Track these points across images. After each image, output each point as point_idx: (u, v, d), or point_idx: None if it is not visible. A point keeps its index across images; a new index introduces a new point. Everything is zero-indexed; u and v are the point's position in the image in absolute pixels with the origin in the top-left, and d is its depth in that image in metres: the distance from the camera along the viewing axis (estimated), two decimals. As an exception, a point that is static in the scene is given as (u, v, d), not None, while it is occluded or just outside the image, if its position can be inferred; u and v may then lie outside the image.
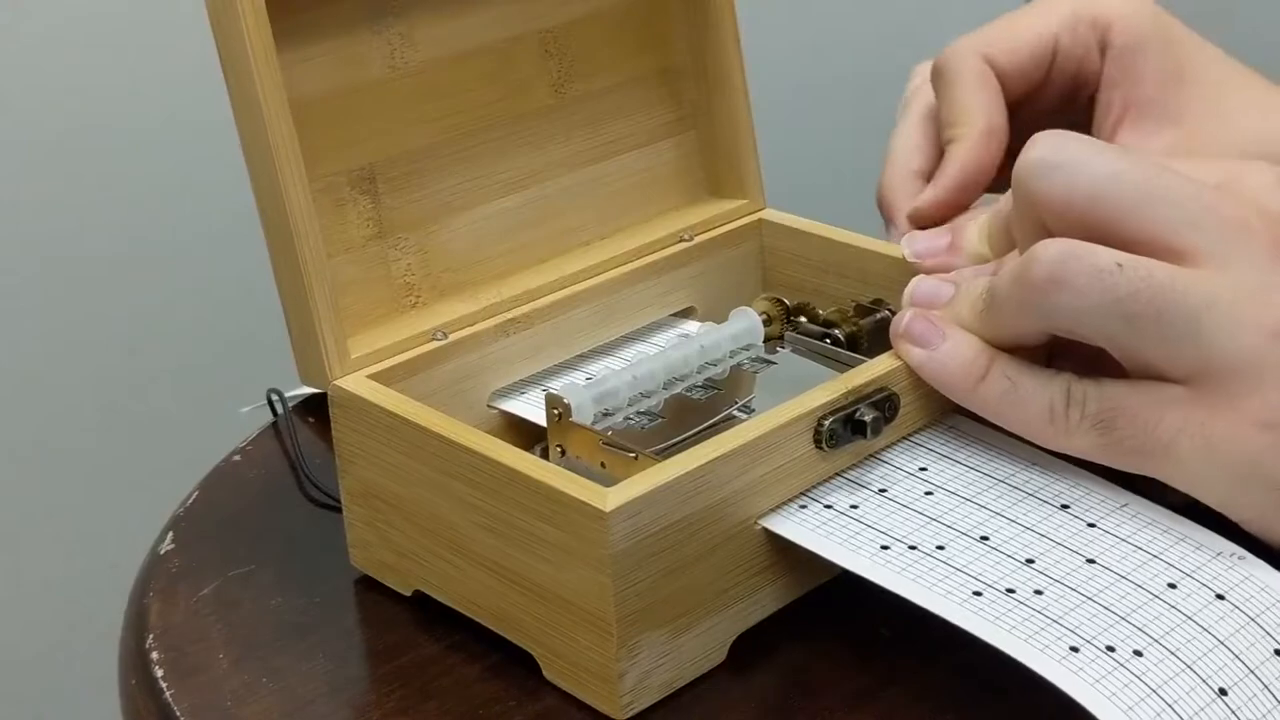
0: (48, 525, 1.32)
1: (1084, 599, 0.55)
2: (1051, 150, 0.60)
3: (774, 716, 0.58)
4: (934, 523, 0.59)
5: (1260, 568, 0.57)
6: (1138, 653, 0.53)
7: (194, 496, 0.74)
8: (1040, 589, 0.55)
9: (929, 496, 0.61)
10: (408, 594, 0.65)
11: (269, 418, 0.80)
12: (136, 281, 1.31)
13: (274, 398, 0.79)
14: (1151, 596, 0.56)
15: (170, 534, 0.71)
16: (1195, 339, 0.57)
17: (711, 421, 0.67)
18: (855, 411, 0.61)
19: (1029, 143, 0.61)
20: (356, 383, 0.64)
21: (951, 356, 0.62)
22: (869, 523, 0.59)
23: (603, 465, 0.62)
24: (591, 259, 0.74)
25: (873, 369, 0.63)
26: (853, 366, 0.64)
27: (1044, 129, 0.61)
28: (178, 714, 0.61)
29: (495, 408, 0.70)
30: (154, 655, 0.64)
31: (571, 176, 0.75)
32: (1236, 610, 0.56)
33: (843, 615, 0.62)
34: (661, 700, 0.59)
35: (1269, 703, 0.53)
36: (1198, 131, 0.73)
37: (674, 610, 0.58)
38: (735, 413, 0.67)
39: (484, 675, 0.61)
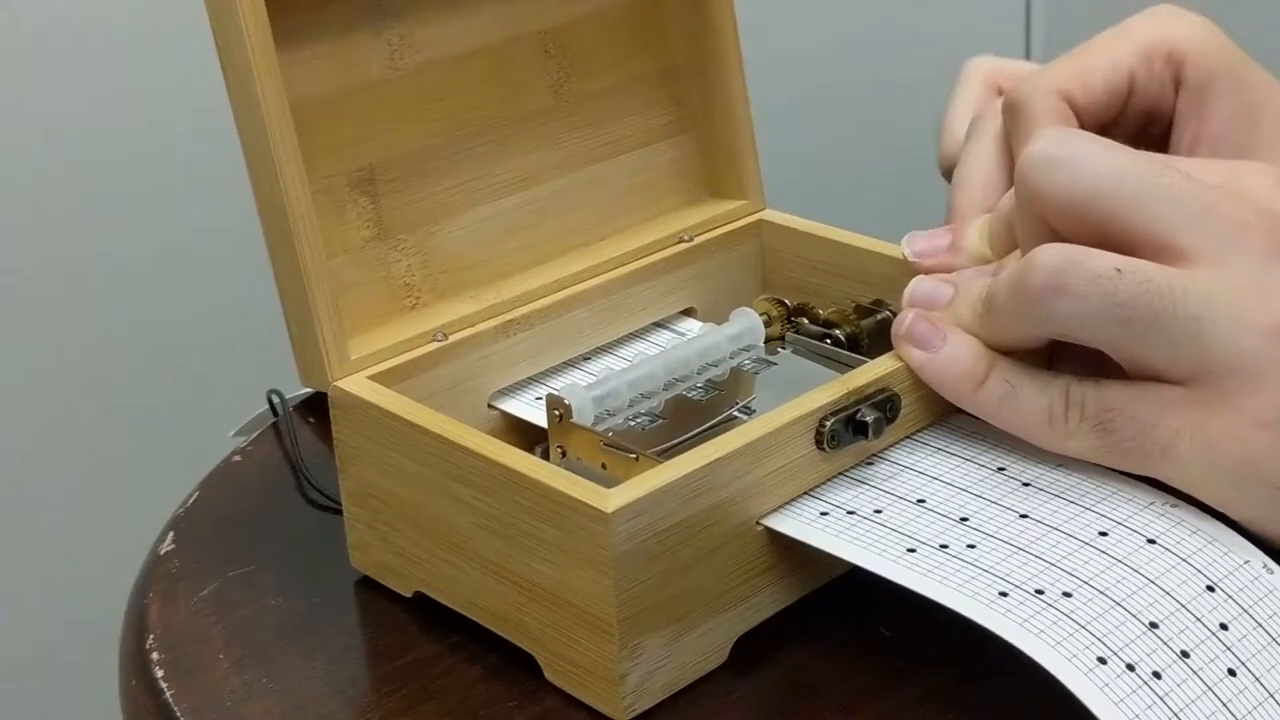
0: (48, 525, 1.32)
1: (1016, 549, 0.56)
2: (1055, 145, 0.60)
3: (775, 717, 0.58)
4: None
5: (1193, 513, 0.58)
6: (1067, 594, 0.54)
7: (194, 496, 0.74)
8: (974, 544, 0.56)
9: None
10: (408, 595, 0.65)
11: (267, 421, 0.80)
12: (136, 282, 1.31)
13: (274, 399, 0.79)
14: (1081, 544, 0.56)
15: (170, 534, 0.71)
16: (1194, 341, 0.57)
17: (712, 422, 0.67)
18: (856, 412, 0.61)
19: (1033, 137, 0.60)
20: (357, 384, 0.64)
21: (951, 360, 0.62)
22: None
23: (604, 466, 0.62)
24: (591, 260, 0.73)
25: (874, 369, 0.63)
26: (853, 367, 0.64)
27: None
28: (178, 714, 0.61)
29: (496, 409, 0.70)
30: (154, 655, 0.64)
31: (571, 177, 0.75)
32: (1167, 552, 0.56)
33: (844, 616, 0.62)
34: (663, 701, 0.59)
35: (1201, 633, 0.54)
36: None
37: (676, 611, 0.58)
38: (736, 413, 0.67)
39: (484, 676, 0.61)
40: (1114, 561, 0.56)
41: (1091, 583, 0.55)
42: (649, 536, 0.56)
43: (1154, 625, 0.54)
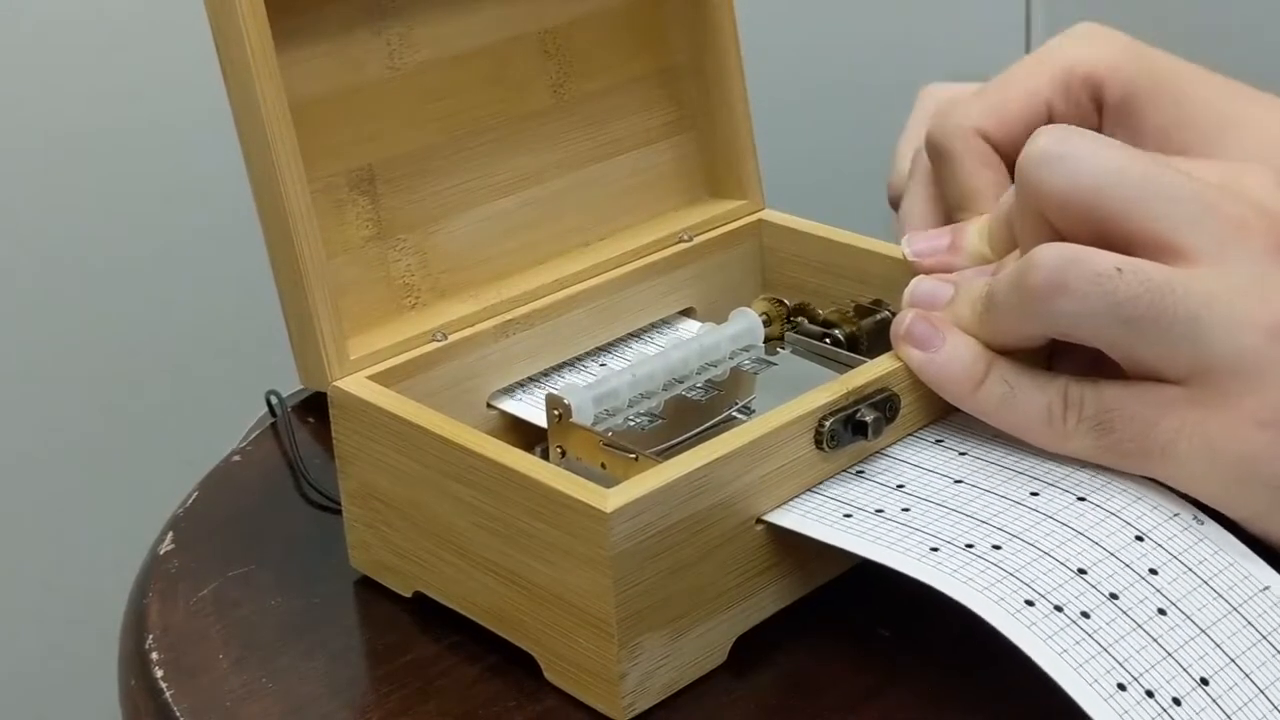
0: (48, 525, 1.32)
1: (948, 510, 0.58)
2: (1056, 142, 0.60)
3: (775, 717, 0.58)
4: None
5: (1120, 476, 0.59)
6: (996, 546, 0.56)
7: (194, 496, 0.74)
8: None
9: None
10: (408, 595, 0.65)
11: (265, 415, 0.80)
12: (136, 281, 1.31)
13: (272, 399, 0.79)
14: (1013, 503, 0.58)
15: (170, 534, 0.71)
16: (1194, 340, 0.57)
17: (712, 422, 0.67)
18: (856, 412, 0.61)
19: (1034, 134, 0.61)
20: (356, 384, 0.64)
21: (950, 360, 0.62)
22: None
23: (603, 466, 0.62)
24: (591, 259, 0.73)
25: (873, 369, 0.63)
26: (853, 367, 0.64)
27: None
28: (177, 714, 0.61)
29: (495, 408, 0.70)
30: (154, 655, 0.64)
31: (571, 177, 0.75)
32: (1097, 508, 0.58)
33: (843, 616, 0.62)
34: (662, 701, 0.59)
35: (1130, 577, 0.55)
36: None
37: (675, 611, 0.58)
38: (735, 413, 0.67)
39: (484, 676, 0.61)
40: (1044, 518, 0.58)
41: (1021, 536, 0.57)
42: (648, 536, 0.56)
43: (1082, 571, 0.56)
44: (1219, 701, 0.53)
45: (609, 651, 0.57)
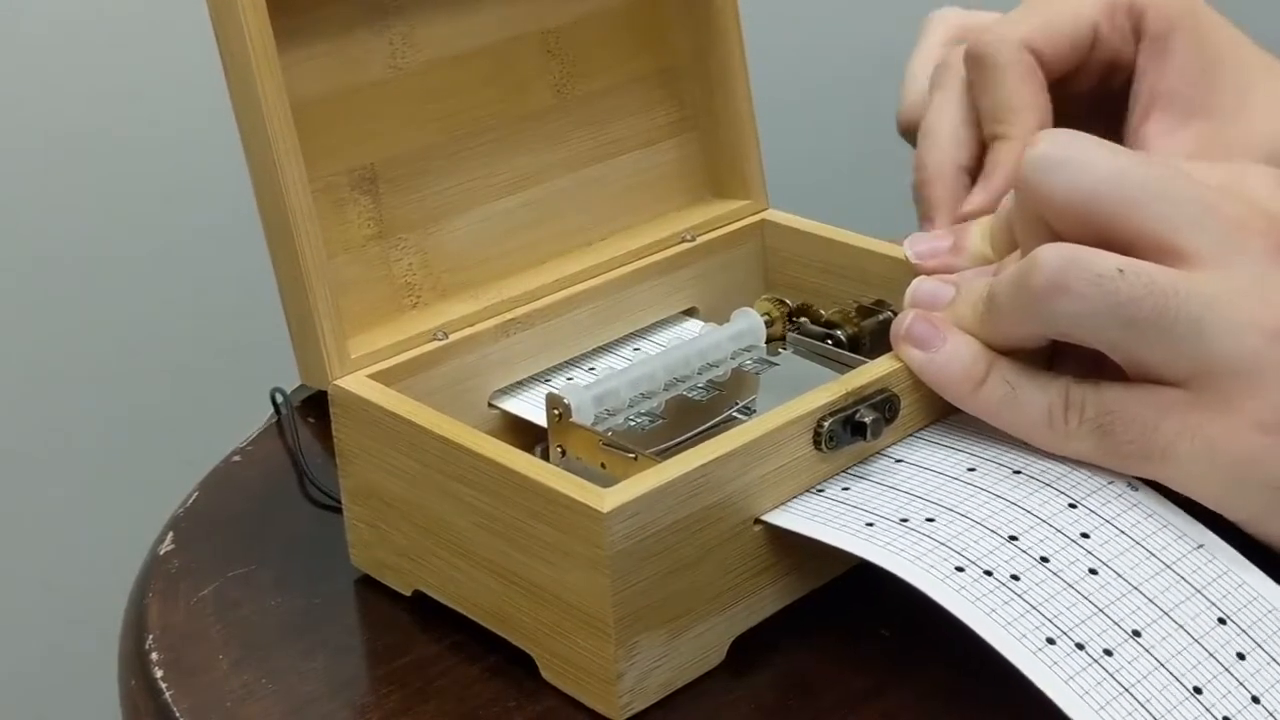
0: (48, 525, 1.32)
1: (886, 488, 0.59)
2: (1056, 146, 0.60)
3: (773, 717, 0.58)
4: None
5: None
6: (930, 519, 0.58)
7: (194, 496, 0.74)
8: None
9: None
10: (407, 594, 0.65)
11: (269, 417, 0.80)
12: (137, 281, 1.31)
13: (277, 396, 0.79)
14: (949, 479, 0.59)
15: (170, 534, 0.71)
16: (1196, 342, 0.57)
17: (712, 422, 0.67)
18: (855, 413, 0.61)
19: (1034, 138, 0.60)
20: (357, 382, 0.64)
21: (951, 360, 0.62)
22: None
23: (603, 466, 0.62)
24: (593, 259, 0.73)
25: (873, 370, 0.62)
26: (854, 368, 0.64)
27: (1079, 115, 0.60)
28: (177, 714, 0.61)
29: (496, 408, 0.70)
30: (154, 655, 0.64)
31: (573, 176, 0.75)
32: (1031, 480, 0.60)
33: (842, 616, 0.62)
34: (660, 701, 0.58)
35: (1061, 541, 0.57)
36: (1221, 128, 0.71)
37: (672, 611, 0.58)
38: (736, 414, 0.67)
39: (483, 676, 0.61)
40: (977, 490, 0.59)
41: (955, 509, 0.58)
42: (646, 536, 0.56)
43: (1013, 538, 0.57)
44: (1152, 651, 0.54)
45: (606, 651, 0.57)
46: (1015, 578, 0.56)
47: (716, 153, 0.79)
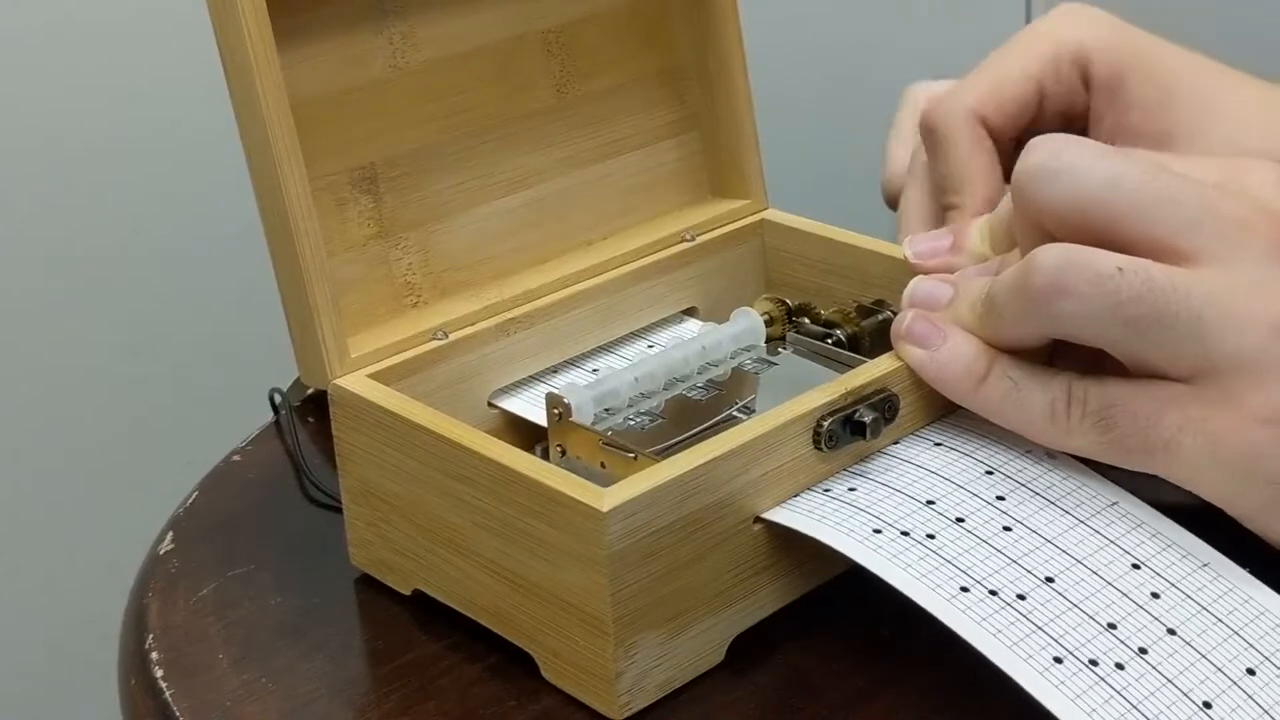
0: (48, 525, 1.32)
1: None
2: (1051, 155, 0.59)
3: (772, 717, 0.58)
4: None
5: (981, 420, 0.62)
6: (851, 489, 0.60)
7: (194, 496, 0.74)
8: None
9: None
10: (407, 593, 0.65)
11: (269, 417, 0.80)
12: (136, 281, 1.31)
13: (275, 396, 0.79)
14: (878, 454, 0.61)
15: (170, 534, 0.71)
16: (1197, 339, 0.57)
17: (712, 422, 0.67)
18: (854, 412, 0.61)
19: (1027, 147, 0.60)
20: (357, 382, 0.64)
21: (952, 358, 0.62)
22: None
23: (603, 465, 0.62)
24: (593, 259, 0.73)
25: (872, 370, 0.62)
26: (854, 367, 0.64)
27: None
28: (177, 714, 0.61)
29: (496, 407, 0.70)
30: (154, 655, 0.64)
31: (573, 176, 0.75)
32: (951, 450, 0.62)
33: (842, 615, 0.62)
34: (659, 700, 0.58)
35: (977, 504, 0.60)
36: (1189, 147, 0.72)
37: (672, 610, 0.58)
38: (736, 413, 0.67)
39: (483, 675, 0.61)
40: (900, 462, 0.62)
41: (875, 478, 0.61)
42: (645, 535, 0.56)
43: (930, 502, 0.60)
44: (1065, 594, 0.56)
45: (605, 650, 0.57)
46: (931, 536, 0.58)
47: (716, 152, 0.79)
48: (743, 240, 0.77)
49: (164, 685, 0.62)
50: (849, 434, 0.61)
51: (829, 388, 0.61)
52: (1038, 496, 0.61)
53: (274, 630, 0.65)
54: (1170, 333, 0.57)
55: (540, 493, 0.57)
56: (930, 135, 0.73)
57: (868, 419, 0.61)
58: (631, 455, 0.61)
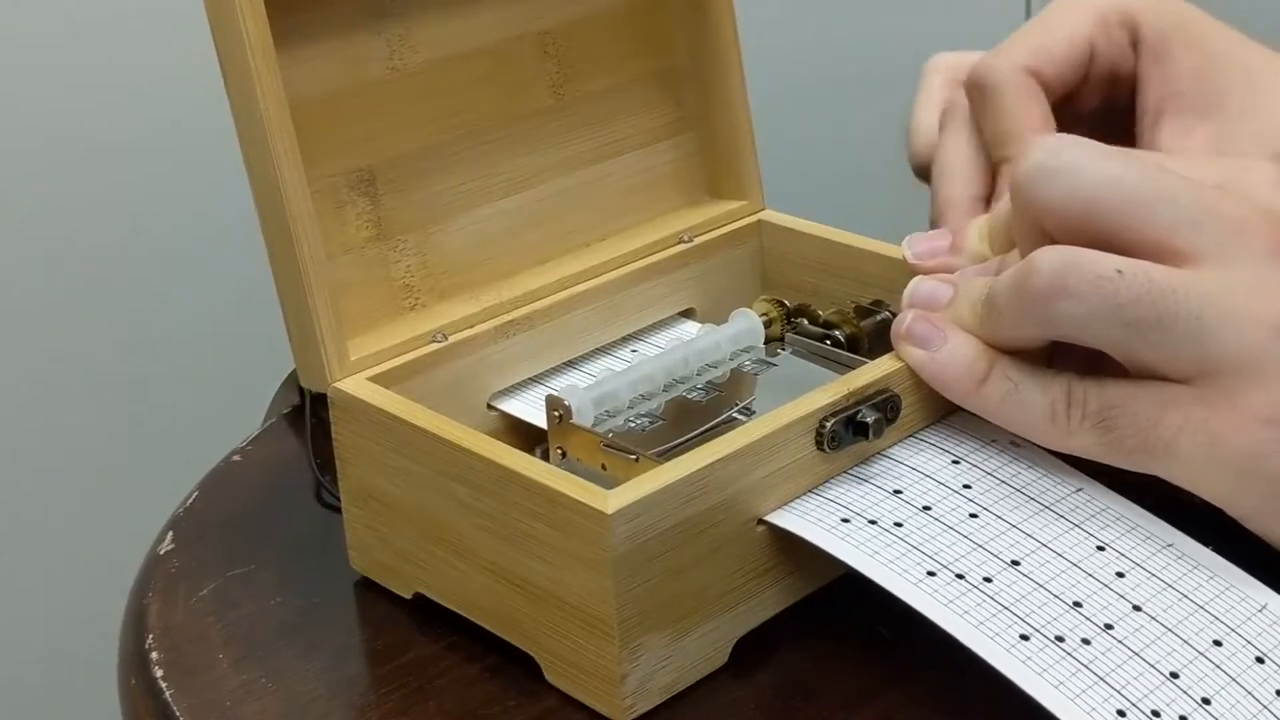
0: (48, 525, 1.32)
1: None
2: (1050, 155, 0.60)
3: (775, 718, 0.58)
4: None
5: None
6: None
7: (194, 496, 0.74)
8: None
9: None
10: (408, 596, 0.65)
11: (268, 417, 0.80)
12: (136, 282, 1.31)
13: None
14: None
15: (170, 534, 0.71)
16: (1197, 340, 0.57)
17: (712, 423, 0.67)
18: (857, 413, 0.61)
19: (1026, 148, 0.60)
20: (356, 385, 0.64)
21: (952, 358, 0.62)
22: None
23: (604, 467, 0.62)
24: (591, 260, 0.73)
25: (874, 370, 0.63)
26: (853, 368, 0.64)
27: (1087, 134, 0.61)
28: (177, 714, 0.61)
29: (495, 409, 0.70)
30: (154, 655, 0.64)
31: (571, 177, 0.75)
32: (921, 441, 0.64)
33: (844, 617, 0.62)
34: (663, 702, 0.59)
35: (942, 493, 0.61)
36: (1235, 125, 0.71)
37: (676, 612, 0.58)
38: (736, 415, 0.67)
39: (483, 675, 0.61)
40: (881, 457, 0.62)
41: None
42: (649, 537, 0.56)
43: (897, 491, 0.61)
44: (1030, 575, 0.57)
45: (610, 653, 0.57)
46: (899, 524, 0.59)
47: (713, 153, 0.79)
48: (740, 241, 0.77)
49: (164, 685, 0.62)
50: (851, 435, 0.61)
51: (831, 388, 0.61)
52: (1004, 484, 0.62)
53: (274, 630, 0.65)
54: (1170, 334, 0.57)
55: (543, 495, 0.57)
56: (980, 90, 0.72)
57: (870, 420, 0.61)
58: (633, 457, 0.61)
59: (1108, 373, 0.60)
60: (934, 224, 0.73)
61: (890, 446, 0.63)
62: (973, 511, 0.60)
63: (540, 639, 0.60)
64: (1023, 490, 0.61)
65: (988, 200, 0.72)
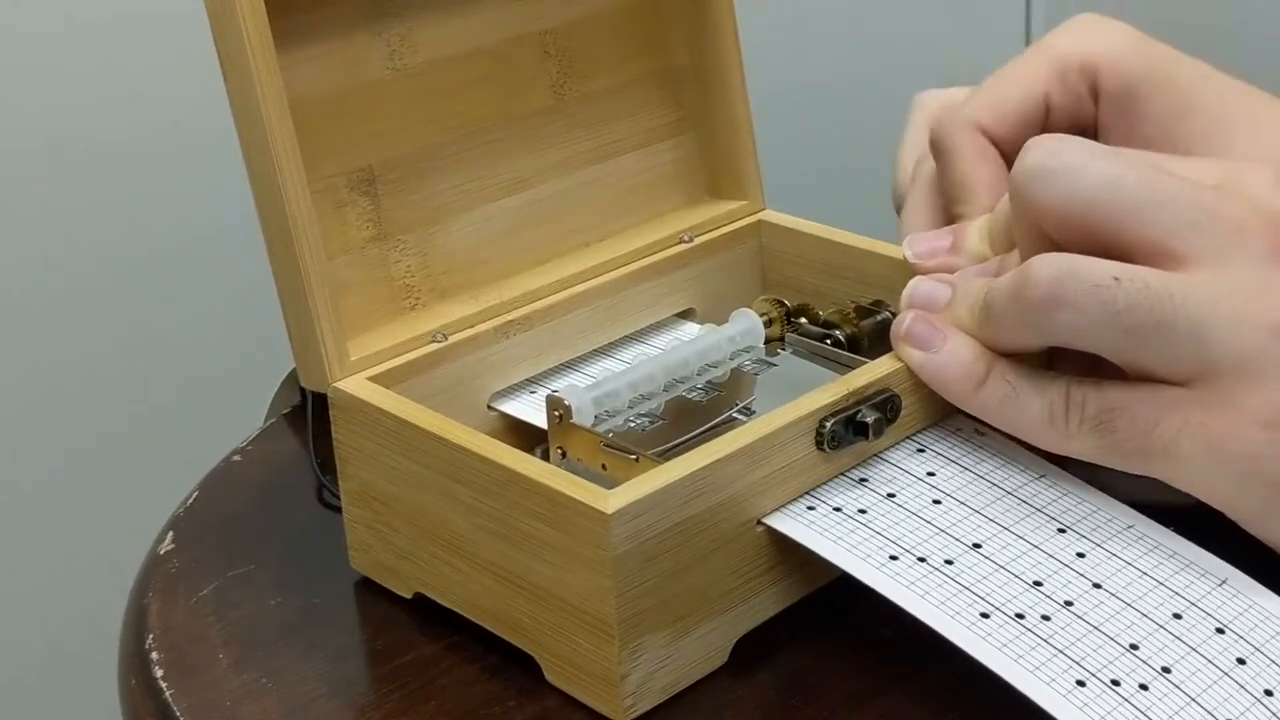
0: (48, 525, 1.32)
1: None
2: (1048, 156, 0.60)
3: (775, 718, 0.58)
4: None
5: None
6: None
7: (194, 496, 0.74)
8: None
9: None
10: (408, 596, 0.65)
11: (268, 417, 0.80)
12: (136, 282, 1.31)
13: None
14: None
15: (170, 534, 0.71)
16: (1196, 343, 0.57)
17: (712, 423, 0.67)
18: (857, 413, 0.61)
19: (1025, 148, 0.60)
20: (356, 385, 0.64)
21: (951, 360, 0.62)
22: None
23: (604, 467, 0.62)
24: (591, 260, 0.73)
25: (874, 370, 0.63)
26: (853, 368, 0.64)
27: None
28: (177, 714, 0.61)
29: (495, 410, 0.70)
30: (154, 655, 0.64)
31: (571, 178, 0.75)
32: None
33: (844, 617, 0.62)
34: (663, 702, 0.59)
35: (907, 480, 0.62)
36: None
37: (676, 612, 0.58)
38: (736, 414, 0.67)
39: (484, 675, 0.61)
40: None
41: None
42: (649, 537, 0.56)
43: (863, 480, 0.62)
44: (992, 557, 0.58)
45: (610, 653, 0.57)
46: (862, 511, 0.60)
47: (714, 153, 0.79)
48: (740, 241, 0.78)
49: (164, 685, 0.62)
50: (851, 435, 0.61)
51: (831, 388, 0.61)
52: (967, 471, 0.63)
53: (274, 630, 0.65)
54: (1169, 338, 0.57)
55: (543, 495, 0.57)
56: (935, 147, 0.73)
57: (870, 419, 0.61)
58: (633, 457, 0.61)
59: (1106, 375, 0.60)
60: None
61: (888, 448, 0.63)
62: (936, 498, 0.61)
63: (540, 639, 0.60)
64: (985, 477, 0.62)
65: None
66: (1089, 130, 0.74)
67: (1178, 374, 0.58)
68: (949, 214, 0.72)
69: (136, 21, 1.27)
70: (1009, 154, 0.72)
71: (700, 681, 0.59)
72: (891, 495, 0.61)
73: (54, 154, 1.26)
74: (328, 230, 0.67)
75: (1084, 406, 0.59)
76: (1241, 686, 0.54)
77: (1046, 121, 0.73)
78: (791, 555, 0.60)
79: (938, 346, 0.62)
